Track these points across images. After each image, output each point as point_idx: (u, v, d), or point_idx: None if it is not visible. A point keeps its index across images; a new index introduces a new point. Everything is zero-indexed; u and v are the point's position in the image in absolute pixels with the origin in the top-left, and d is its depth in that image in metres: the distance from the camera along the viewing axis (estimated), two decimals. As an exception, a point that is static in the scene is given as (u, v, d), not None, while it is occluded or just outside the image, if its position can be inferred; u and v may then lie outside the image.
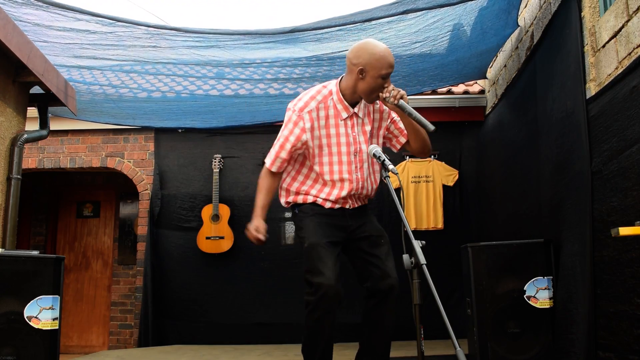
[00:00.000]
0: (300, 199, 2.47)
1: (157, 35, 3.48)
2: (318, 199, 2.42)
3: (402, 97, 2.24)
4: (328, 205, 2.42)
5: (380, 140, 2.51)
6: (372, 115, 2.46)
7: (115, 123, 5.15)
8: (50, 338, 2.56)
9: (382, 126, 2.49)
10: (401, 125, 2.48)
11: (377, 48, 2.27)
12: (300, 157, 2.47)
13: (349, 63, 2.32)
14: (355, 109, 2.39)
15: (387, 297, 2.32)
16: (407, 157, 5.34)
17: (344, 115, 2.37)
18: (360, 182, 2.40)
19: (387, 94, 2.25)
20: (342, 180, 2.38)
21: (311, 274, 2.27)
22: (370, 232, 2.43)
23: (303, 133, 2.35)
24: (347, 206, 2.43)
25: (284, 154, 2.40)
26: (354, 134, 2.39)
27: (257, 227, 2.36)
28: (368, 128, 2.43)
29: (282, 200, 2.54)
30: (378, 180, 2.50)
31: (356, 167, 2.39)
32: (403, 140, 2.50)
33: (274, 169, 2.44)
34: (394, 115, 2.48)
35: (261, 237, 2.36)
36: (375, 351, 2.39)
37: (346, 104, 2.37)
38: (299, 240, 2.46)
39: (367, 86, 2.29)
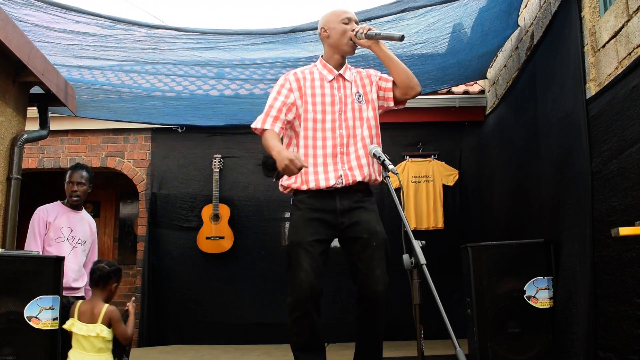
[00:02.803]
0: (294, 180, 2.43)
1: (157, 38, 3.47)
2: (309, 180, 2.39)
3: (369, 29, 2.39)
4: (322, 183, 2.36)
5: (377, 104, 2.55)
6: (361, 81, 2.57)
7: (116, 119, 5.13)
8: (50, 338, 2.55)
9: (372, 90, 2.56)
10: (385, 75, 2.57)
11: (331, 9, 2.52)
12: (292, 133, 2.50)
13: (320, 36, 2.56)
14: (341, 71, 2.53)
15: (374, 305, 2.31)
16: (407, 157, 5.34)
17: (330, 77, 2.52)
18: (344, 139, 2.42)
19: (357, 30, 2.42)
20: (324, 138, 2.42)
21: (290, 275, 2.29)
22: (362, 233, 2.36)
23: (290, 92, 2.47)
24: (339, 181, 2.37)
25: (273, 112, 2.43)
26: (340, 94, 2.51)
27: (297, 156, 2.20)
28: (355, 90, 2.54)
29: (280, 185, 2.50)
30: (368, 149, 2.40)
31: (340, 124, 2.46)
32: (390, 84, 2.52)
33: (258, 125, 2.41)
34: (380, 73, 2.59)
35: (304, 163, 2.22)
36: (366, 356, 2.40)
37: (330, 67, 2.54)
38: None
39: (334, 37, 2.49)
